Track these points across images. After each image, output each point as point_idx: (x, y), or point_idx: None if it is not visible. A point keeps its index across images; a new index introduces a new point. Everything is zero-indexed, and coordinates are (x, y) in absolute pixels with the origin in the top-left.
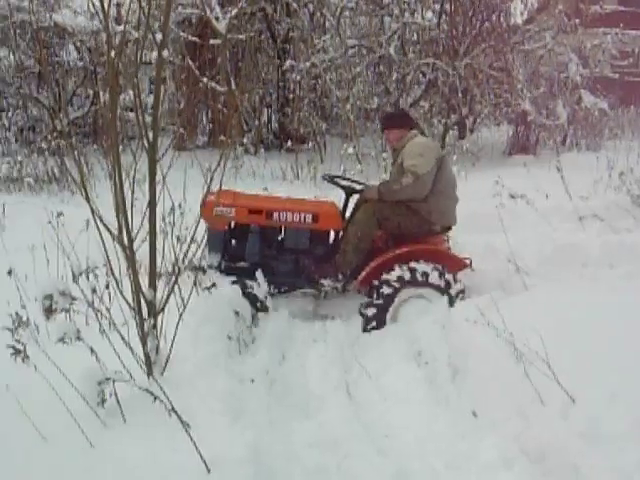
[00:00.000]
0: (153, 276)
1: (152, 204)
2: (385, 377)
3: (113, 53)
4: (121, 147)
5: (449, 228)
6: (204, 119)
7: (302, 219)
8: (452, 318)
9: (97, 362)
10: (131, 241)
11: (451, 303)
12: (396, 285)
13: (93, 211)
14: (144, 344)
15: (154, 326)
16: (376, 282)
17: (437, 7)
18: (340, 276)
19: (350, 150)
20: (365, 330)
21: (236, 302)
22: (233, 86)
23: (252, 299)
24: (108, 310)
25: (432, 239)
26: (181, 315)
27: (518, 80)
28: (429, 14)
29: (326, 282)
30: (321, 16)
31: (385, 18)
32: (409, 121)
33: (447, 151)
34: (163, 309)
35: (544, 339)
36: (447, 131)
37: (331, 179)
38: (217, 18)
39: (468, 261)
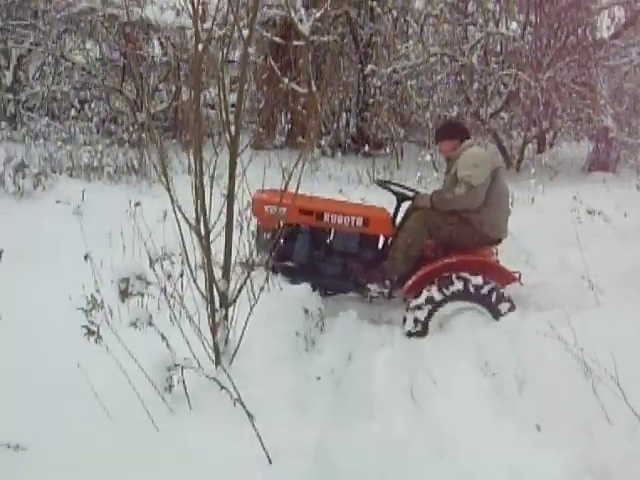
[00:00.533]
0: (227, 268)
1: (230, 197)
2: (451, 384)
3: (200, 47)
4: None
5: (499, 241)
6: (283, 120)
7: (353, 222)
8: (521, 330)
9: (167, 348)
10: (208, 232)
11: (497, 317)
12: (441, 297)
13: (173, 200)
14: (214, 334)
15: (225, 317)
16: (421, 291)
17: (522, 18)
18: (387, 282)
19: (427, 157)
20: (409, 335)
21: (306, 300)
22: (314, 88)
23: None
24: (181, 298)
25: (481, 251)
26: (252, 308)
27: (601, 96)
28: (514, 25)
29: (373, 287)
30: (404, 22)
31: (469, 27)
32: (462, 132)
33: (502, 164)
34: (235, 301)
35: (615, 357)
36: (526, 144)
37: (383, 184)
38: (301, 20)
39: (517, 275)
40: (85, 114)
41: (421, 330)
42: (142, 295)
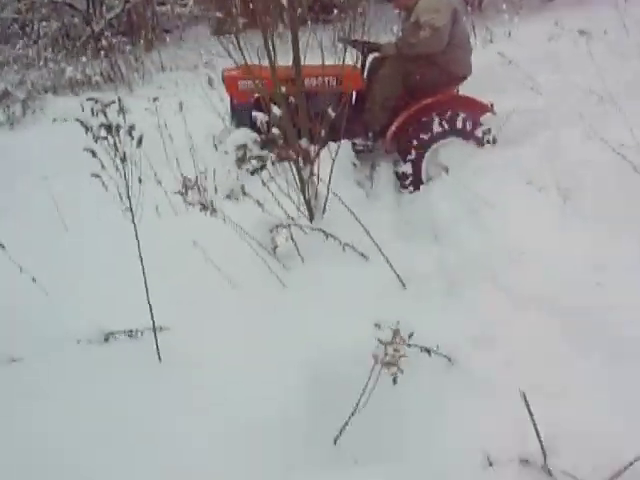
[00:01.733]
0: (307, 127)
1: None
2: (507, 203)
3: None
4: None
5: (464, 78)
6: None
7: (326, 83)
8: (558, 142)
9: (264, 212)
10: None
11: (480, 144)
12: (426, 138)
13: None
14: (303, 191)
15: (311, 173)
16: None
17: None
18: (370, 134)
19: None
20: (403, 188)
21: (351, 155)
22: None
23: None
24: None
25: (447, 90)
26: (334, 161)
27: None
28: None
29: (357, 142)
30: None
31: None
32: None
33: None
34: (317, 156)
35: None
36: None
37: (347, 41)
38: None
39: (490, 104)
40: (36, 34)
41: (414, 180)
42: (260, 159)
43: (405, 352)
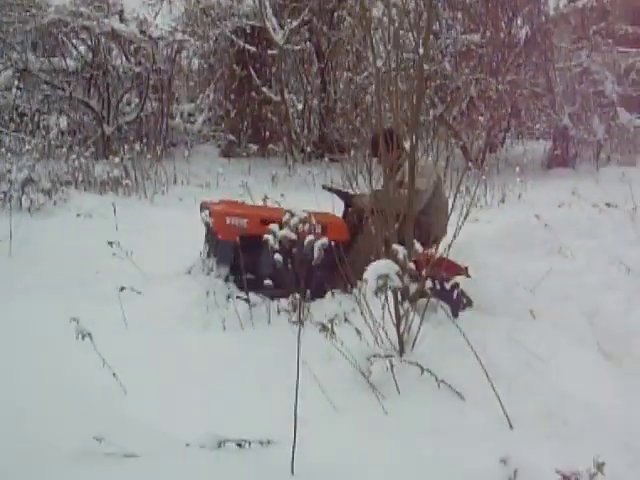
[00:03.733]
0: (405, 265)
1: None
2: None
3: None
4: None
5: (440, 239)
6: (250, 127)
7: (312, 230)
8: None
9: (361, 341)
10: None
11: (455, 314)
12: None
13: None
14: (398, 325)
15: (408, 310)
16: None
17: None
18: (349, 287)
19: None
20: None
21: None
22: (286, 95)
23: None
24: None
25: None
26: (428, 300)
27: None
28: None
29: (336, 293)
30: (364, 29)
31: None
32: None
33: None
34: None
35: None
36: (488, 144)
37: (330, 189)
38: (274, 29)
39: (465, 268)
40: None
41: None
42: (393, 289)
43: None
